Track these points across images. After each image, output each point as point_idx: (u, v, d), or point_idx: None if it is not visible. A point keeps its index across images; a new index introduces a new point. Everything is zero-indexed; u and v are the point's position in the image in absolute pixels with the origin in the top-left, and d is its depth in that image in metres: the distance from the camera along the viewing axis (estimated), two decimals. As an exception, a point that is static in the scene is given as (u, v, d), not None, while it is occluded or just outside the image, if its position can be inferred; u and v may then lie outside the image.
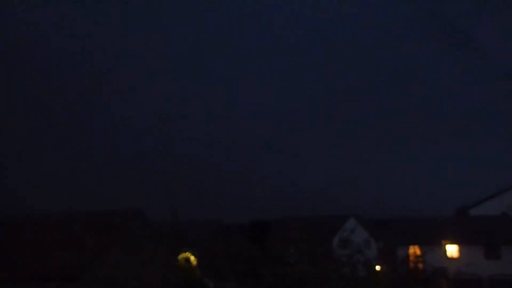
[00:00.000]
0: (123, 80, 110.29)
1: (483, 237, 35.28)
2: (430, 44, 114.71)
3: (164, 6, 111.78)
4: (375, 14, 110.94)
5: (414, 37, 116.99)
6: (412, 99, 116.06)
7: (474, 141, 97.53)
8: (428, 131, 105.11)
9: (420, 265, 26.21)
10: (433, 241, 33.22)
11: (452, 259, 34.52)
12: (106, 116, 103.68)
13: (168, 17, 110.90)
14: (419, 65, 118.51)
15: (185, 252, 21.66)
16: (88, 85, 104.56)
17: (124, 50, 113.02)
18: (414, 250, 33.42)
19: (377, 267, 16.64)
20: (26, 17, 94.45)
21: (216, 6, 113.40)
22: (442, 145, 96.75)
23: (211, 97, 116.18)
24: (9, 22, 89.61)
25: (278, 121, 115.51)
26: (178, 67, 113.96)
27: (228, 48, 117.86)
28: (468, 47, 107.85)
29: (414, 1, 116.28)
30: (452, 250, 35.30)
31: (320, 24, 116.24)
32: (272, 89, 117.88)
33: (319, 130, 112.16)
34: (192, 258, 21.11)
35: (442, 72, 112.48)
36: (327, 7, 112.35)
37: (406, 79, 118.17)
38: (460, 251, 35.05)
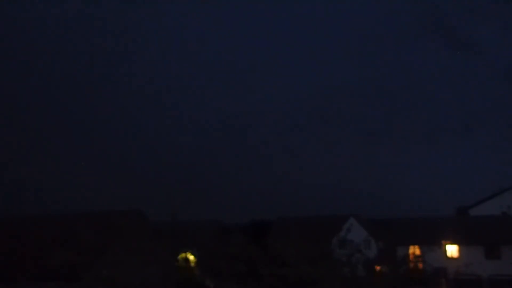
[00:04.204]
0: (123, 79, 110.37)
1: (483, 237, 35.31)
2: (430, 44, 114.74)
3: (166, 4, 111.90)
4: (374, 14, 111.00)
5: (413, 37, 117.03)
6: (412, 99, 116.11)
7: (474, 141, 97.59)
8: (428, 131, 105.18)
9: (420, 265, 26.18)
10: (433, 241, 33.22)
11: (452, 259, 34.54)
12: (106, 115, 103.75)
13: (169, 15, 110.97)
14: (419, 65, 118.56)
15: (185, 252, 21.64)
16: (88, 84, 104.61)
17: (124, 48, 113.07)
18: (414, 250, 33.42)
19: (377, 267, 16.65)
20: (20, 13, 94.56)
21: (216, 4, 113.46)
22: (442, 145, 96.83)
23: (212, 97, 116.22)
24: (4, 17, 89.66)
25: (278, 121, 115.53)
26: (177, 66, 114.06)
27: (229, 48, 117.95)
28: (468, 47, 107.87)
29: (414, 1, 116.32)
30: (452, 250, 35.33)
31: (320, 24, 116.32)
32: (272, 89, 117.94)
33: (319, 130, 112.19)
34: (192, 258, 21.09)
35: (441, 72, 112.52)
36: (326, 7, 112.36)
37: (406, 79, 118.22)
38: (460, 251, 35.08)
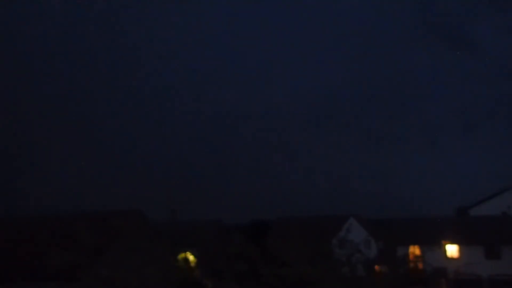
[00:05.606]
0: (124, 80, 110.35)
1: (483, 237, 35.31)
2: (430, 44, 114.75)
3: (174, 3, 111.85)
4: (373, 15, 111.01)
5: (413, 37, 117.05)
6: (412, 99, 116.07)
7: (473, 141, 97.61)
8: (428, 131, 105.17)
9: (420, 265, 26.20)
10: (433, 241, 33.21)
11: (452, 259, 34.53)
12: (106, 115, 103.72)
13: (176, 15, 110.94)
14: (419, 65, 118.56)
15: (185, 252, 21.66)
16: (88, 84, 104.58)
17: (125, 48, 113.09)
18: (414, 250, 33.43)
19: (377, 267, 16.65)
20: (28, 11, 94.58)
21: (219, 7, 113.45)
22: (441, 145, 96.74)
23: (212, 97, 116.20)
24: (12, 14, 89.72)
25: (279, 121, 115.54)
26: (178, 66, 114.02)
27: (229, 48, 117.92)
28: (468, 47, 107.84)
29: (413, 1, 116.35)
30: (452, 250, 35.31)
31: (320, 25, 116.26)
32: (272, 89, 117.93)
33: (319, 130, 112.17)
34: (192, 258, 21.10)
35: (441, 72, 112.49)
36: (326, 7, 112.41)
37: (406, 79, 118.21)
38: (460, 251, 35.06)
